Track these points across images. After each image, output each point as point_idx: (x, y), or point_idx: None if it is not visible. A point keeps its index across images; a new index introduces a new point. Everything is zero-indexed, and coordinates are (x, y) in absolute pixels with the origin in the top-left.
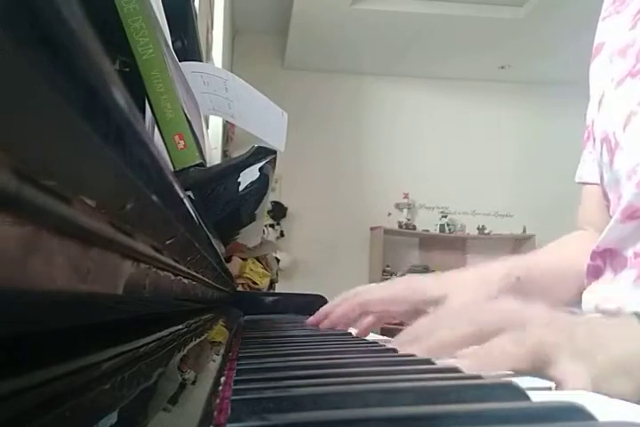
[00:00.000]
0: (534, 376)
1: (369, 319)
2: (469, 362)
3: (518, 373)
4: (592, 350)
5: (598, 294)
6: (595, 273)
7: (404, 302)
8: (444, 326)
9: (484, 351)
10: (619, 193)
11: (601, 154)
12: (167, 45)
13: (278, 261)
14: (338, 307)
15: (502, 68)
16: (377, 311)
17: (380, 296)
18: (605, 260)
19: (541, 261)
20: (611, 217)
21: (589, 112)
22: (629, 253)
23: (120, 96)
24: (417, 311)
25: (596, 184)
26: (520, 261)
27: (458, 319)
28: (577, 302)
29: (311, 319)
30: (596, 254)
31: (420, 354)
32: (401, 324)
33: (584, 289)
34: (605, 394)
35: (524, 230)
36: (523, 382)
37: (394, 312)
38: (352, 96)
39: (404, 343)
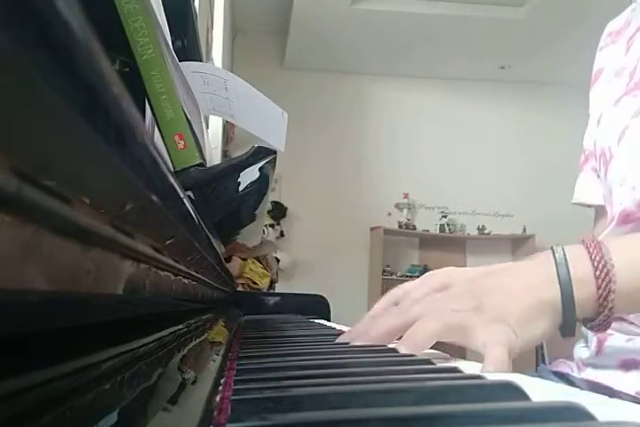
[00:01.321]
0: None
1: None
2: (403, 345)
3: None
4: (503, 310)
5: None
6: None
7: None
8: (379, 322)
9: (410, 333)
10: (612, 202)
11: (599, 169)
12: (167, 45)
13: (278, 261)
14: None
15: (502, 68)
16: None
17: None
18: None
19: None
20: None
21: (588, 134)
22: None
23: (120, 96)
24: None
25: (589, 205)
26: None
27: (390, 315)
28: None
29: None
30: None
31: (357, 343)
32: None
33: None
34: (523, 345)
35: (524, 230)
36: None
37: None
38: (352, 96)
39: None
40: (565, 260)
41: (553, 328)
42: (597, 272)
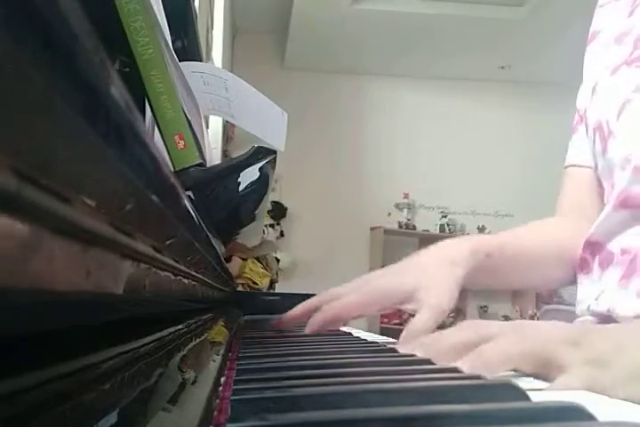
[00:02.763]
0: (537, 378)
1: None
2: (466, 363)
3: (518, 373)
4: (608, 355)
5: (588, 294)
6: (582, 267)
7: (377, 304)
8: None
9: (479, 353)
10: (612, 181)
11: (594, 142)
12: (167, 45)
13: (278, 261)
14: (314, 317)
15: (502, 68)
16: (352, 318)
17: (352, 304)
18: (594, 253)
19: (518, 238)
20: (604, 204)
21: (581, 97)
22: (616, 248)
23: (120, 96)
24: (393, 308)
25: (587, 167)
26: (490, 237)
27: (457, 330)
28: (560, 291)
29: (275, 323)
30: (586, 245)
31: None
32: (400, 324)
33: (569, 279)
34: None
35: None
36: (522, 382)
37: (370, 313)
38: (352, 96)
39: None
40: None
41: None
42: None
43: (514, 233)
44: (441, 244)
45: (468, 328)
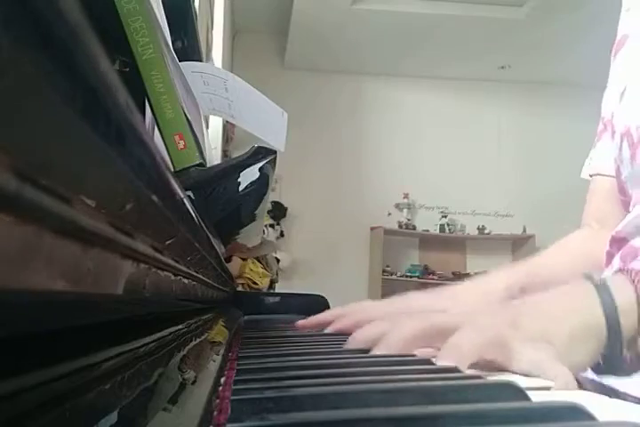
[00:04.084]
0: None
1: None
2: (444, 357)
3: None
4: (547, 330)
5: None
6: (608, 262)
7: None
8: (401, 325)
9: (455, 345)
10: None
11: (620, 148)
12: (167, 45)
13: (278, 261)
14: (332, 325)
15: (502, 68)
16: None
17: (376, 316)
18: (619, 247)
19: (542, 266)
20: (628, 212)
21: (606, 104)
22: (639, 243)
23: (120, 96)
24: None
25: (612, 177)
26: (520, 270)
27: (410, 318)
28: None
29: (302, 323)
30: (612, 242)
31: (383, 351)
32: None
33: None
34: (575, 367)
35: (524, 230)
36: (522, 382)
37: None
38: (352, 96)
39: (366, 342)
40: (607, 287)
41: (591, 360)
42: None
43: (537, 260)
44: (478, 279)
45: (421, 317)
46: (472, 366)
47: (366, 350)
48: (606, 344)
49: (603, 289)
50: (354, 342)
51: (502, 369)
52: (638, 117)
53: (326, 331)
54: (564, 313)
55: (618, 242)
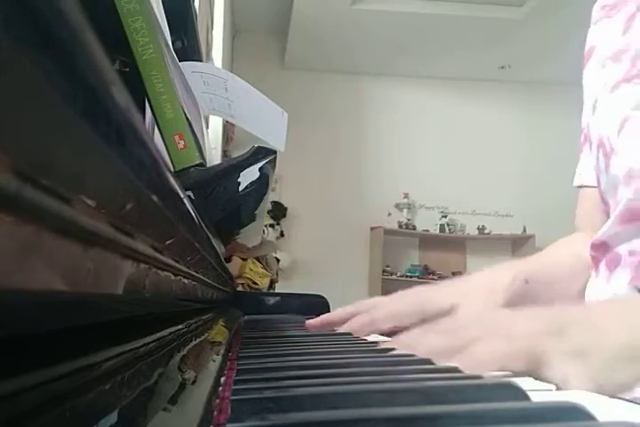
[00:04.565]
0: (531, 377)
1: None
2: (461, 363)
3: (513, 373)
4: (589, 344)
5: (598, 297)
6: (595, 265)
7: (414, 315)
8: (433, 336)
9: (469, 354)
10: (616, 199)
11: (597, 159)
12: (167, 45)
13: (278, 261)
14: (347, 324)
15: (502, 68)
16: (387, 328)
17: (388, 312)
18: (602, 253)
19: (546, 260)
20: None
21: (584, 116)
22: (623, 250)
23: (120, 96)
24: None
25: (594, 187)
26: (525, 263)
27: (446, 331)
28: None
29: (312, 323)
30: (593, 247)
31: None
32: None
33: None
34: (611, 390)
35: (524, 230)
36: (523, 383)
37: (404, 327)
38: (352, 96)
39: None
40: None
41: (638, 381)
42: None
43: (541, 255)
44: (484, 272)
45: (449, 331)
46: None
47: (365, 350)
48: None
49: None
50: (416, 350)
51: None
52: (609, 129)
53: (341, 330)
54: (613, 325)
55: (599, 247)
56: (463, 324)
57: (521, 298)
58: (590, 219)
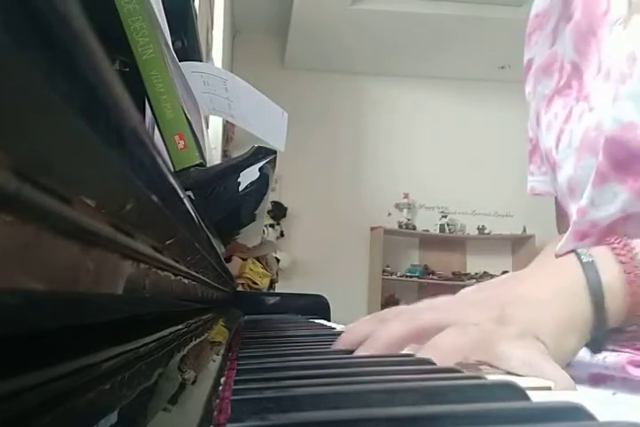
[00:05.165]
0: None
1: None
2: (427, 355)
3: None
4: (533, 323)
5: None
6: None
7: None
8: (387, 325)
9: (434, 346)
10: (569, 211)
11: (548, 170)
12: (167, 45)
13: (278, 261)
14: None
15: (502, 68)
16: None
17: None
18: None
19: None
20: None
21: (530, 127)
22: None
23: (120, 96)
24: None
25: (550, 195)
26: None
27: (399, 318)
28: None
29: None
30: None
31: (367, 353)
32: None
33: None
34: (561, 359)
35: (524, 230)
36: (522, 382)
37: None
38: (352, 96)
39: (351, 343)
40: (593, 263)
41: (581, 344)
42: (630, 276)
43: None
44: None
45: (403, 318)
46: (465, 365)
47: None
48: (593, 328)
49: (589, 269)
50: (340, 343)
51: (496, 368)
52: (549, 143)
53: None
54: (550, 297)
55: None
56: (417, 308)
57: None
58: (563, 223)
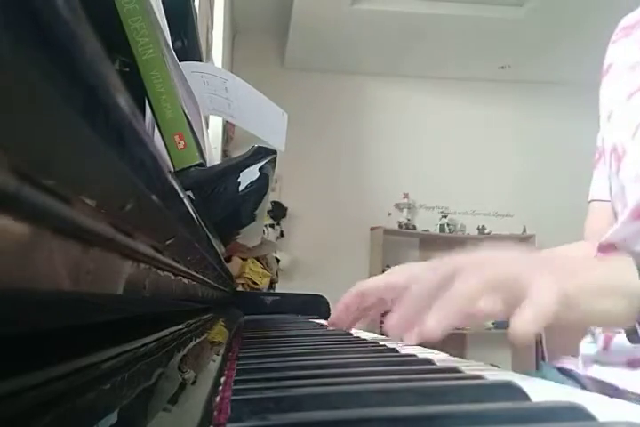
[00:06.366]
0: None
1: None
2: (460, 286)
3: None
4: (565, 277)
5: None
6: None
7: (401, 288)
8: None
9: (465, 278)
10: (624, 201)
11: (610, 165)
12: (167, 45)
13: (278, 261)
14: (339, 302)
15: (502, 68)
16: (375, 300)
17: (376, 284)
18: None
19: (564, 253)
20: None
21: (600, 132)
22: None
23: (120, 96)
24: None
25: (607, 201)
26: (547, 252)
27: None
28: None
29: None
30: (601, 248)
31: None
32: None
33: None
34: (588, 312)
35: (524, 230)
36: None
37: (391, 299)
38: (352, 96)
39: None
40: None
41: (618, 311)
42: None
43: (561, 251)
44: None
45: (432, 269)
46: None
47: (365, 350)
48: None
49: (634, 255)
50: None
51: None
52: (623, 134)
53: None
54: (596, 264)
55: (607, 248)
56: (450, 261)
57: None
58: (598, 229)
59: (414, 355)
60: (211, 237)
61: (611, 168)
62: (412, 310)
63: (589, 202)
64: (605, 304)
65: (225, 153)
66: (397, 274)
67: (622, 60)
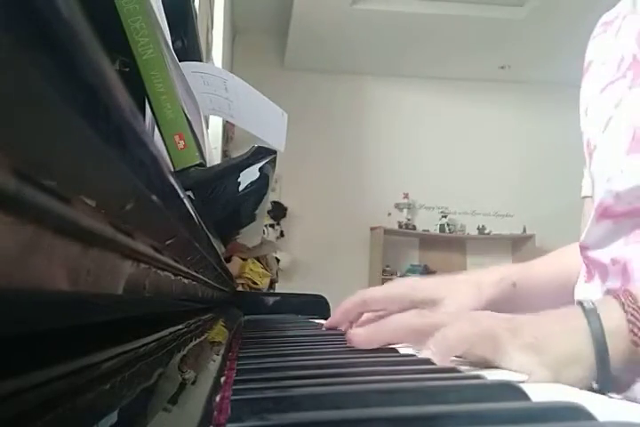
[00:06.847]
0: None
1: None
2: (430, 345)
3: (475, 360)
4: (540, 342)
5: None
6: (586, 267)
7: (403, 300)
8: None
9: (442, 336)
10: (594, 195)
11: (587, 161)
12: (167, 45)
13: (278, 261)
14: (340, 305)
15: (502, 68)
16: (376, 309)
17: (378, 294)
18: (588, 257)
19: (540, 270)
20: None
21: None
22: (606, 258)
23: (120, 96)
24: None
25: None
26: (518, 267)
27: (409, 315)
28: None
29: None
30: (581, 249)
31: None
32: None
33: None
34: (560, 382)
35: (524, 230)
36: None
37: (393, 311)
38: (352, 96)
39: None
40: (596, 310)
41: (586, 376)
42: (631, 325)
43: (536, 264)
44: (479, 270)
45: (421, 315)
46: (463, 362)
47: (365, 350)
48: (596, 369)
49: (592, 315)
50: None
51: (494, 366)
52: (595, 128)
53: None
54: (558, 332)
55: (584, 250)
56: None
57: (506, 300)
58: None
59: (414, 355)
60: (211, 237)
61: (587, 163)
62: (385, 334)
63: (582, 198)
64: (570, 374)
65: (225, 153)
66: (398, 287)
67: (599, 56)
